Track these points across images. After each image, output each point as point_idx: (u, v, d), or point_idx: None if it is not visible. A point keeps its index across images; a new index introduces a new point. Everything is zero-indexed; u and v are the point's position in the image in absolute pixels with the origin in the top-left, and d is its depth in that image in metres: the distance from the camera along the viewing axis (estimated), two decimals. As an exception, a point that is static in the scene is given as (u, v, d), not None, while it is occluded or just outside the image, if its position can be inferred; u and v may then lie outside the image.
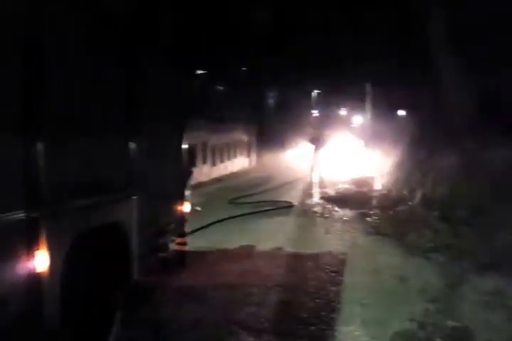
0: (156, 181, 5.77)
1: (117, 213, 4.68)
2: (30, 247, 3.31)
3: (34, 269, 3.33)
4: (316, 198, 14.97)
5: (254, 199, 14.50)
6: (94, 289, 4.27)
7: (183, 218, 6.97)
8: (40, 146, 3.42)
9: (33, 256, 3.32)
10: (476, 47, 11.39)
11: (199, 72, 20.52)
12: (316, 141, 21.03)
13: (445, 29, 12.78)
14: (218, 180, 20.67)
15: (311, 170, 20.38)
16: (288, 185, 18.48)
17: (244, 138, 27.18)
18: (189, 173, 7.61)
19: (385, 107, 22.20)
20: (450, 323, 5.09)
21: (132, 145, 4.97)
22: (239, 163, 25.76)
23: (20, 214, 3.26)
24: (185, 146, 7.07)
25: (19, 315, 3.27)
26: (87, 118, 4.14)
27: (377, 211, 11.35)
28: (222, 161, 22.91)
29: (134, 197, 4.99)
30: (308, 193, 16.33)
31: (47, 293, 3.46)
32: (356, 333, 5.07)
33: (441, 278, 6.56)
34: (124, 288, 4.82)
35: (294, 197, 15.24)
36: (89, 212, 4.09)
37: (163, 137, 6.16)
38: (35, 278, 3.34)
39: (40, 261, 3.37)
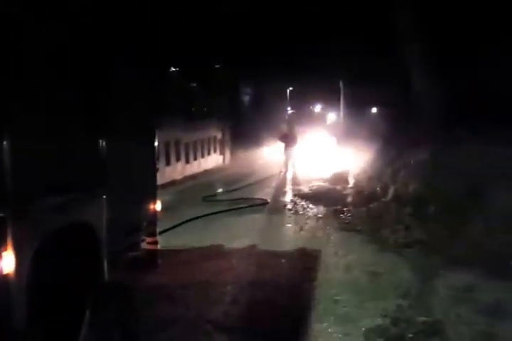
0: (126, 180, 5.75)
1: (86, 213, 4.64)
2: None
3: (0, 270, 3.28)
4: (290, 195, 14.96)
5: (228, 197, 14.42)
6: (62, 289, 4.22)
7: (154, 217, 6.95)
8: (4, 145, 3.37)
9: None
10: (445, 43, 11.55)
11: (172, 69, 20.46)
12: (289, 138, 21.05)
13: (414, 25, 12.91)
14: (192, 177, 20.56)
15: (285, 167, 20.44)
16: (262, 182, 18.37)
17: (219, 135, 27.09)
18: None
19: (357, 104, 22.38)
20: (422, 319, 5.15)
21: (101, 145, 4.94)
22: (213, 160, 25.66)
23: None
24: (156, 144, 7.05)
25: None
26: (53, 118, 4.11)
27: (350, 208, 11.40)
28: (195, 158, 22.78)
29: (103, 197, 4.96)
30: (282, 190, 16.27)
31: (14, 294, 3.41)
32: (329, 330, 5.10)
33: (413, 274, 6.65)
34: (94, 288, 4.77)
35: (268, 194, 15.17)
36: (58, 211, 4.04)
37: (132, 136, 6.11)
38: (1, 279, 3.28)
39: (7, 262, 3.31)
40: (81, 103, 4.70)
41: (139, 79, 6.37)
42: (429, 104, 12.29)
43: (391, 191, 9.97)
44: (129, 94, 6.03)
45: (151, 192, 6.87)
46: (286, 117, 33.41)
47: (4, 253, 3.28)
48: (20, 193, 3.52)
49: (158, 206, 6.98)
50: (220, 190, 15.84)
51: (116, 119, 5.45)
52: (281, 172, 19.98)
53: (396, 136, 12.75)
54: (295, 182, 17.95)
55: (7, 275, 3.32)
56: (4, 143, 3.36)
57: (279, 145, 21.89)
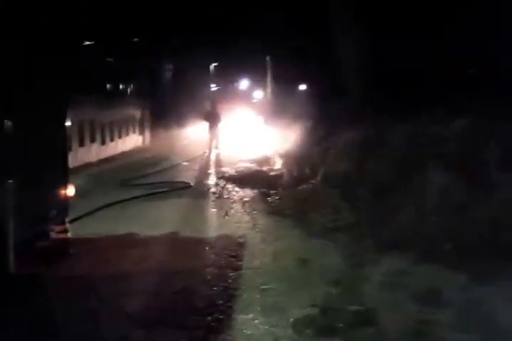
0: (32, 163, 5.54)
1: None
2: None
3: None
4: (214, 178, 14.88)
5: (148, 181, 14.14)
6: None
7: (65, 203, 6.68)
8: None
9: None
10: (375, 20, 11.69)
11: (86, 43, 19.70)
12: (212, 117, 20.97)
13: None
14: (108, 160, 20.03)
15: (209, 148, 20.34)
16: (184, 164, 18.24)
17: (137, 114, 26.53)
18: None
19: (285, 82, 22.42)
20: (353, 307, 5.15)
21: (3, 127, 4.73)
22: (131, 142, 25.13)
23: None
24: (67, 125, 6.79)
25: None
26: None
27: (278, 190, 11.43)
28: (112, 140, 22.19)
29: (9, 182, 4.68)
30: (206, 173, 16.22)
31: None
32: (255, 321, 5.03)
33: (343, 260, 6.67)
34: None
35: (190, 177, 15.05)
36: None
37: (39, 114, 5.89)
38: None
39: None
40: None
41: (47, 53, 6.09)
42: (357, 83, 12.45)
43: (320, 172, 10.02)
44: (36, 69, 5.79)
45: (62, 175, 6.60)
46: (210, 95, 33.22)
47: None
48: None
49: (70, 191, 6.70)
50: (139, 174, 15.43)
51: (21, 97, 5.23)
52: (205, 153, 19.88)
53: (325, 114, 12.83)
54: (220, 163, 17.92)
55: None
56: None
57: (203, 124, 21.75)
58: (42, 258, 6.40)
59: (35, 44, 5.87)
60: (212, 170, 16.57)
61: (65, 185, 6.69)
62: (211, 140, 20.58)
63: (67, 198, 6.72)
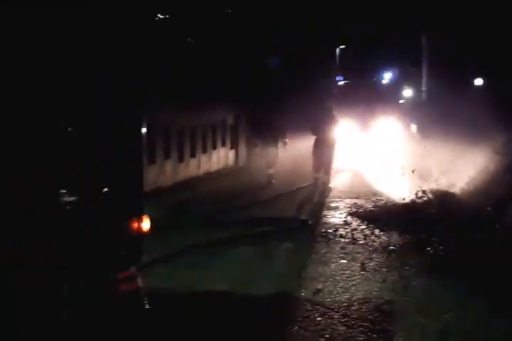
0: (98, 185, 5.82)
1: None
2: None
3: None
4: (341, 214, 14.97)
5: (245, 215, 14.53)
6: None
7: (138, 241, 6.93)
8: None
9: None
10: None
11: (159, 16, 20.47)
12: (323, 129, 20.72)
13: None
14: (188, 183, 20.58)
15: (317, 172, 20.30)
16: (296, 192, 18.66)
17: (230, 119, 27.04)
18: None
19: (450, 73, 22.19)
20: None
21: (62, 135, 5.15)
22: (220, 158, 25.66)
23: None
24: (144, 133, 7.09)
25: None
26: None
27: (441, 237, 11.29)
28: (193, 155, 22.76)
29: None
30: (328, 206, 16.42)
31: None
32: None
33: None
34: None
35: (306, 211, 15.45)
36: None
37: (106, 122, 6.27)
38: None
39: None
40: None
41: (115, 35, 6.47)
42: None
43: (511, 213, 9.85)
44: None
45: (135, 203, 6.86)
46: (334, 93, 33.45)
47: None
48: None
49: (145, 224, 6.96)
50: (232, 204, 15.93)
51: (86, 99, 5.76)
52: (316, 179, 19.92)
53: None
54: (348, 193, 18.07)
55: None
56: None
57: (329, 134, 21.73)
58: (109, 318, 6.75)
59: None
60: (336, 204, 16.67)
61: (138, 215, 6.94)
62: (319, 162, 20.31)
63: (141, 233, 6.95)
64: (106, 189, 6.32)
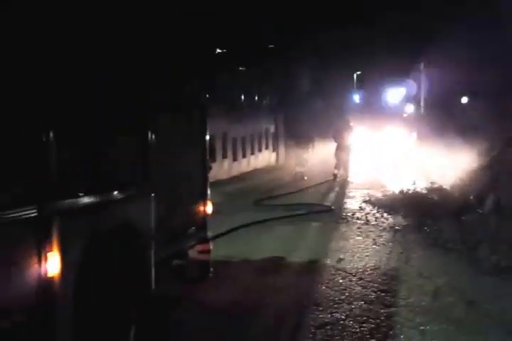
0: (175, 177, 5.91)
1: (134, 212, 4.76)
2: (41, 248, 3.41)
3: (45, 273, 3.43)
4: (357, 202, 14.96)
5: (284, 202, 14.62)
6: (108, 299, 4.36)
7: (204, 220, 7.01)
8: (50, 146, 3.56)
9: (44, 258, 3.41)
10: None
11: (218, 51, 20.59)
12: (341, 134, 20.84)
13: None
14: (240, 177, 20.74)
15: (338, 170, 20.36)
16: (322, 185, 18.74)
17: (271, 127, 27.13)
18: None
19: (443, 93, 22.00)
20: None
21: (150, 137, 5.11)
22: (264, 158, 25.78)
23: (31, 211, 3.35)
24: (208, 138, 7.16)
25: (24, 328, 3.36)
26: (101, 113, 4.31)
27: (436, 220, 11.22)
28: (244, 156, 22.94)
29: (151, 195, 5.05)
30: (347, 195, 16.46)
31: (59, 301, 3.54)
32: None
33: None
34: (141, 299, 4.87)
35: (330, 199, 15.53)
36: (105, 210, 4.19)
37: (183, 125, 6.31)
38: (45, 282, 3.43)
39: (52, 264, 3.45)
40: (129, 94, 4.88)
41: (187, 61, 6.52)
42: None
43: (490, 200, 9.76)
44: (177, 81, 6.23)
45: (201, 191, 6.93)
46: (351, 107, 33.23)
47: (49, 254, 3.41)
48: (65, 192, 3.68)
49: (208, 208, 7.04)
50: (274, 193, 16.08)
51: (166, 109, 5.66)
52: (335, 176, 19.98)
53: (497, 134, 12.47)
54: (363, 186, 18.07)
55: (52, 278, 3.45)
56: (50, 143, 3.54)
57: (346, 140, 21.73)
58: (179, 277, 6.90)
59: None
60: (354, 193, 16.68)
61: (204, 201, 7.02)
62: (339, 162, 20.47)
63: (206, 215, 7.03)
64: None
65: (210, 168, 7.89)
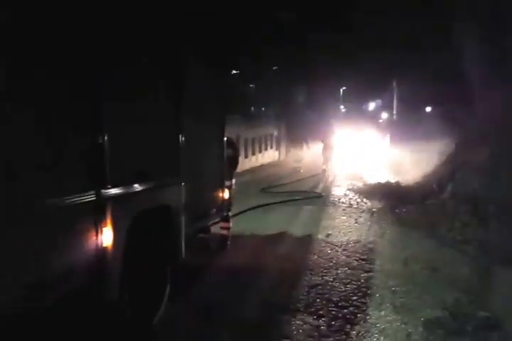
0: (200, 170, 6.00)
1: (169, 197, 4.85)
2: (98, 224, 3.52)
3: (101, 243, 3.53)
4: (343, 190, 14.99)
5: (284, 189, 14.75)
6: (148, 264, 4.43)
7: (223, 204, 7.07)
8: (105, 138, 3.61)
9: (100, 232, 3.53)
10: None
11: (233, 72, 20.56)
12: (328, 138, 20.97)
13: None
14: (250, 171, 20.82)
15: (326, 165, 20.37)
16: (314, 176, 18.80)
17: (275, 132, 27.20)
18: (235, 163, 7.84)
19: (411, 104, 22.02)
20: (481, 314, 5.03)
21: (182, 139, 5.18)
22: (269, 156, 25.84)
23: (91, 196, 3.47)
24: (225, 138, 7.20)
25: (85, 285, 3.46)
26: (143, 115, 4.33)
27: (405, 203, 11.20)
28: (253, 154, 23.01)
29: (183, 184, 5.15)
30: (334, 185, 16.51)
31: (111, 265, 3.64)
32: (388, 318, 5.06)
33: (470, 270, 6.48)
34: (174, 265, 4.93)
35: (321, 187, 15.55)
36: (146, 195, 4.27)
37: (207, 130, 6.35)
38: (101, 251, 3.54)
39: (106, 236, 3.57)
40: (168, 99, 4.92)
41: (213, 78, 6.56)
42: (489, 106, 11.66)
43: (448, 188, 9.75)
44: (206, 90, 6.26)
45: (220, 181, 7.02)
46: (338, 115, 33.09)
47: (104, 229, 3.53)
48: (117, 179, 3.74)
49: (226, 194, 7.12)
50: (277, 183, 16.21)
51: (196, 114, 5.66)
52: (323, 170, 19.98)
53: (453, 136, 12.45)
54: (347, 177, 18.12)
55: (106, 247, 3.56)
56: (104, 136, 3.60)
57: (334, 142, 21.75)
58: (203, 248, 7.04)
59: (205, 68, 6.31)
60: (342, 183, 16.71)
61: (222, 189, 7.09)
62: (325, 158, 20.53)
63: (223, 200, 7.11)
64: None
65: (237, 164, 8.04)
